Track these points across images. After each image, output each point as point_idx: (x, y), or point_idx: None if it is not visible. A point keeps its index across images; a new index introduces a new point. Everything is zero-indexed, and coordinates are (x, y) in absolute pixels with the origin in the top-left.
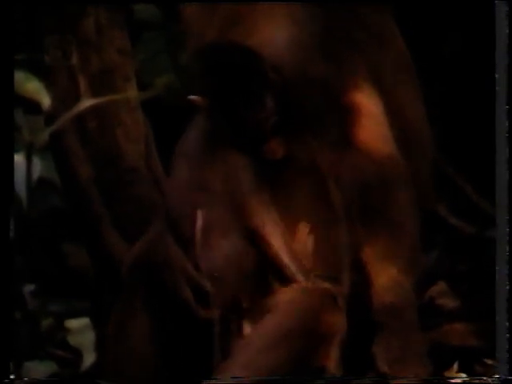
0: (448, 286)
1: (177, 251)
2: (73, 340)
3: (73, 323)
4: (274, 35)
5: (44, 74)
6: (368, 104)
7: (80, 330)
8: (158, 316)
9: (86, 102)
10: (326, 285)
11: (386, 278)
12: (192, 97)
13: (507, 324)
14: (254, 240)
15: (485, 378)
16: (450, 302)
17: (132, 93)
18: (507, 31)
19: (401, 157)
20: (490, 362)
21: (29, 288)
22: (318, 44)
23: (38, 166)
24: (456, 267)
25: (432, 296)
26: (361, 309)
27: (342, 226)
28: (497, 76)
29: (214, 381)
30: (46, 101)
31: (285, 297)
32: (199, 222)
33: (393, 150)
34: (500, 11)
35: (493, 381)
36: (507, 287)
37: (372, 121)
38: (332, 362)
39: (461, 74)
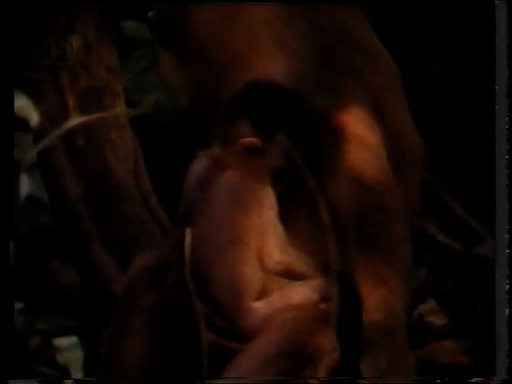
0: (437, 304)
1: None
2: (61, 358)
3: (61, 341)
4: (274, 69)
5: (32, 92)
6: (361, 126)
7: (68, 348)
8: (154, 337)
9: (75, 120)
10: (318, 304)
11: (377, 298)
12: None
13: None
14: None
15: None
16: (438, 320)
17: (120, 110)
18: (507, 31)
19: (395, 182)
20: (478, 379)
21: (16, 306)
22: (316, 71)
23: (26, 184)
24: (444, 284)
25: (421, 314)
26: (350, 328)
27: (331, 245)
28: (496, 86)
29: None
30: (34, 118)
31: (274, 318)
32: (188, 239)
33: (389, 176)
34: (500, 11)
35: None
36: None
37: (364, 144)
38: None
39: (460, 76)
